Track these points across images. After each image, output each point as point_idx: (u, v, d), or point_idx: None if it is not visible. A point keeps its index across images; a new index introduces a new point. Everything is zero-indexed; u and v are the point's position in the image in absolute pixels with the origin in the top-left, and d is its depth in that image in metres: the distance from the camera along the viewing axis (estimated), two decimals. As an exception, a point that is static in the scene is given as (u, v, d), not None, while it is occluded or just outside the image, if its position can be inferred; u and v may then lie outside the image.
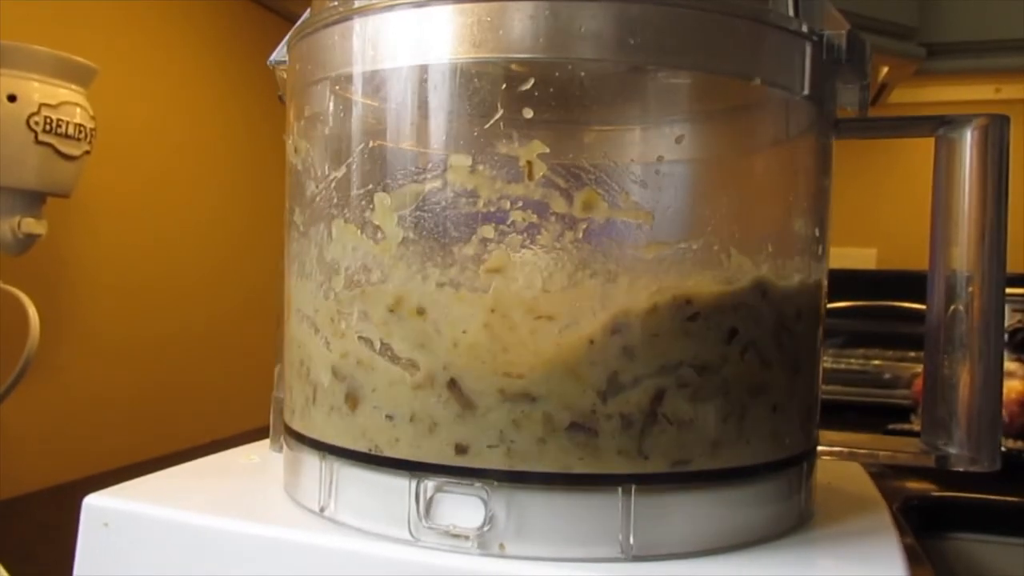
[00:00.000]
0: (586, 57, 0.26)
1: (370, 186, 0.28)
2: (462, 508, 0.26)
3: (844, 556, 0.28)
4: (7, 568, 0.47)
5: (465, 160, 0.26)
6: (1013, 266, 0.34)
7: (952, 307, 0.31)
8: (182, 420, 0.84)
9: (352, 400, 0.28)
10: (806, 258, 0.31)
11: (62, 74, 0.60)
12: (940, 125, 0.31)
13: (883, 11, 0.89)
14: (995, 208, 0.31)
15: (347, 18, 0.29)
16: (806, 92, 0.30)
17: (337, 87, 0.30)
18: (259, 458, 0.37)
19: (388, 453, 0.27)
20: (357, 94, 0.29)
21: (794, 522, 0.30)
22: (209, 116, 0.89)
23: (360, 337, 0.28)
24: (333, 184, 0.29)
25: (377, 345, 0.27)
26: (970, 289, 0.31)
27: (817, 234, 0.31)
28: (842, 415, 0.98)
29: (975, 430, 0.31)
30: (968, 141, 0.31)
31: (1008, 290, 0.32)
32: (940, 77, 1.15)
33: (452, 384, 0.26)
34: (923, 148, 0.33)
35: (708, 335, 0.27)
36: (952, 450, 0.31)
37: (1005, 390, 0.78)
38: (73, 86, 0.61)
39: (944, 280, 0.32)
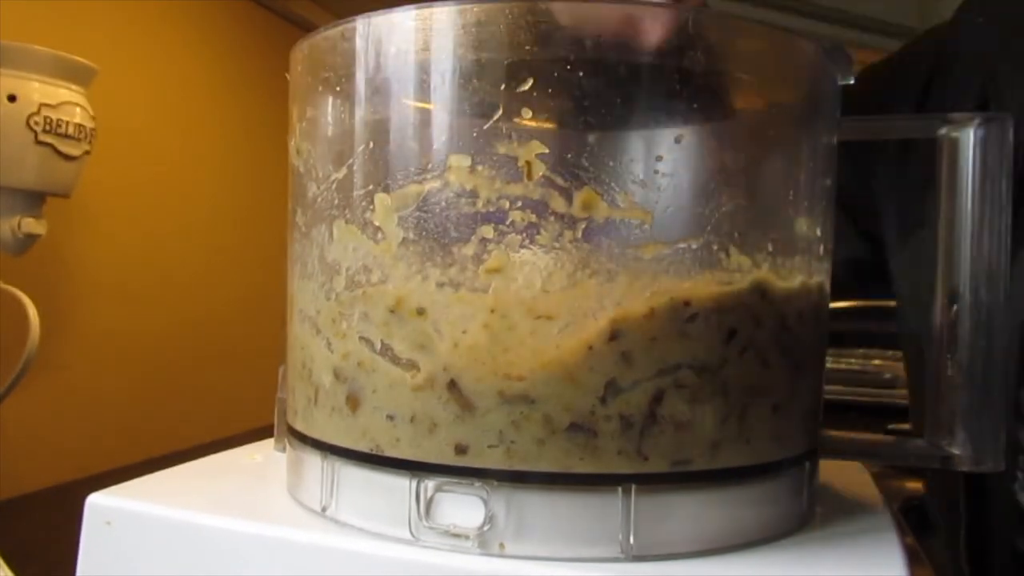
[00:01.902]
0: (585, 57, 0.26)
1: (371, 187, 0.28)
2: (462, 508, 0.26)
3: (844, 556, 0.28)
4: (10, 568, 0.47)
5: (465, 160, 0.26)
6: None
7: (955, 307, 0.31)
8: (184, 419, 0.84)
9: (353, 401, 0.28)
10: (807, 258, 0.30)
11: (62, 74, 0.60)
12: (942, 124, 0.31)
13: (883, 11, 0.89)
14: (998, 207, 0.31)
15: (349, 19, 0.29)
16: (806, 92, 0.30)
17: (338, 88, 0.30)
18: (262, 457, 0.37)
19: (389, 453, 0.27)
20: (358, 95, 0.29)
21: (795, 522, 0.30)
22: (208, 116, 0.89)
23: (361, 338, 0.28)
24: (334, 185, 0.29)
25: (378, 346, 0.27)
26: (973, 289, 0.31)
27: (819, 234, 0.31)
28: (842, 415, 0.98)
29: (978, 430, 0.31)
30: (971, 140, 0.31)
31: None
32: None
33: (452, 385, 0.26)
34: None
35: (707, 336, 0.27)
36: (955, 451, 0.31)
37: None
38: (73, 86, 0.61)
39: (946, 279, 0.32)
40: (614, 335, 0.26)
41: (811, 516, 0.31)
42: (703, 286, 0.27)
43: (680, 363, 0.26)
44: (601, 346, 0.25)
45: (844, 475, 0.37)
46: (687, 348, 0.26)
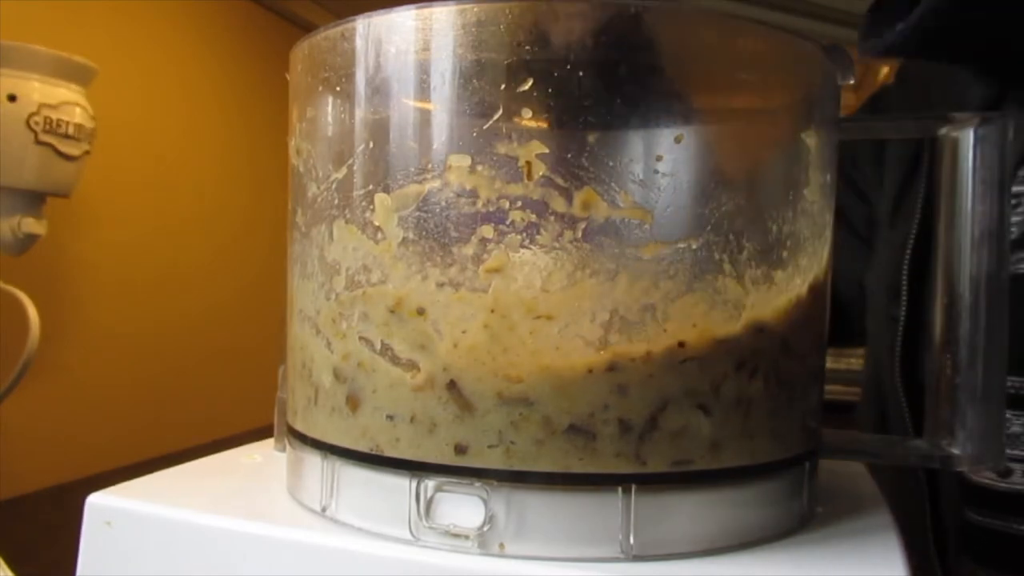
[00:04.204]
0: (585, 57, 0.26)
1: (371, 187, 0.28)
2: (462, 508, 0.26)
3: (845, 556, 0.28)
4: (10, 568, 0.47)
5: (465, 160, 0.26)
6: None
7: (955, 307, 0.31)
8: (184, 419, 0.84)
9: (353, 402, 0.28)
10: (808, 258, 0.30)
11: (62, 74, 0.60)
12: (942, 124, 0.31)
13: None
14: (997, 207, 0.31)
15: (349, 19, 0.29)
16: (807, 91, 0.30)
17: (338, 88, 0.30)
18: (261, 457, 0.37)
19: (389, 453, 0.27)
20: (358, 95, 0.29)
21: (796, 522, 0.30)
22: (208, 116, 0.89)
23: (361, 338, 0.28)
24: (334, 185, 0.29)
25: (378, 346, 0.27)
26: (973, 289, 0.31)
27: (820, 234, 0.31)
28: (842, 415, 0.98)
29: (979, 430, 0.31)
30: (970, 140, 0.31)
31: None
32: (941, 76, 1.14)
33: (452, 385, 0.26)
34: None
35: (703, 374, 0.26)
36: (956, 450, 0.31)
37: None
38: (73, 86, 0.61)
39: (947, 279, 0.31)
40: (612, 366, 0.25)
41: (811, 516, 0.31)
42: (700, 326, 0.26)
43: (679, 392, 0.26)
44: (600, 372, 0.25)
45: (844, 475, 0.37)
46: (685, 380, 0.26)
